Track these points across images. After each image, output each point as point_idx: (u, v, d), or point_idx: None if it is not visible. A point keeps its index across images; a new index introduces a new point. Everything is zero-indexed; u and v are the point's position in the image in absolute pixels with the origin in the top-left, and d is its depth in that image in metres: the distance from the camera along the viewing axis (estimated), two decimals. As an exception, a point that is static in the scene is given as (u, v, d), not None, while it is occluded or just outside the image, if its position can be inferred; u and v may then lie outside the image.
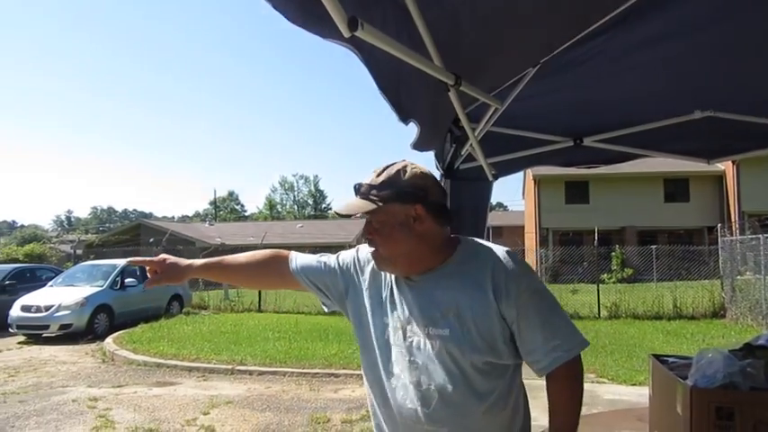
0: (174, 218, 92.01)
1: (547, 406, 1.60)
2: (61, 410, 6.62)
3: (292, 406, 6.79)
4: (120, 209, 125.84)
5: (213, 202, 71.42)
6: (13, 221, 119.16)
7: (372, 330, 1.62)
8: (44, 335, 11.90)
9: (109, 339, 11.21)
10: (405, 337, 1.55)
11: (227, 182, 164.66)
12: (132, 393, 7.44)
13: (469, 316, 1.47)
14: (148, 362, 9.20)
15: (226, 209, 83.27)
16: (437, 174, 3.08)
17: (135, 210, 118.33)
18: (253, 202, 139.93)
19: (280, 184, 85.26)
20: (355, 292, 1.69)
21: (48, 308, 11.98)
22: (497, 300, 1.46)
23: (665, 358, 2.24)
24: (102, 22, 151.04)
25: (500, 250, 1.54)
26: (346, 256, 1.77)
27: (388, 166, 1.54)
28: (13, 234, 71.34)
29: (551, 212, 28.53)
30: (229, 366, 8.55)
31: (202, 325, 12.88)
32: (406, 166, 1.53)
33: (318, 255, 1.81)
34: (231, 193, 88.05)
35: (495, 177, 3.10)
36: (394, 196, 1.48)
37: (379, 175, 1.53)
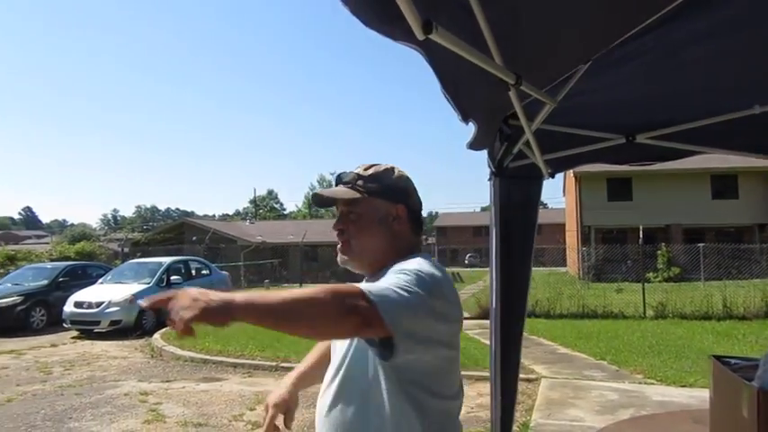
0: (214, 216, 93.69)
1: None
2: (114, 404, 6.83)
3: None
4: (162, 207, 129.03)
5: (253, 201, 72.43)
6: (64, 220, 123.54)
7: None
8: (95, 330, 12.28)
9: (156, 335, 11.50)
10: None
11: (266, 180, 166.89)
12: (180, 388, 7.62)
13: None
14: (195, 358, 9.41)
15: (265, 207, 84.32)
16: (488, 172, 3.07)
17: (177, 208, 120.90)
18: (292, 201, 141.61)
19: (318, 182, 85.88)
20: None
21: (98, 304, 12.37)
22: None
23: (727, 359, 2.19)
24: (134, 24, 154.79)
25: (417, 257, 1.44)
26: None
27: (375, 164, 1.55)
28: (64, 233, 73.63)
29: (593, 210, 28.01)
30: (273, 363, 8.69)
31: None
32: (394, 168, 1.55)
33: None
34: (270, 192, 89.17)
35: (551, 175, 3.07)
36: (380, 191, 1.48)
37: (366, 169, 1.53)
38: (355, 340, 1.40)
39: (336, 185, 1.55)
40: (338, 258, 1.54)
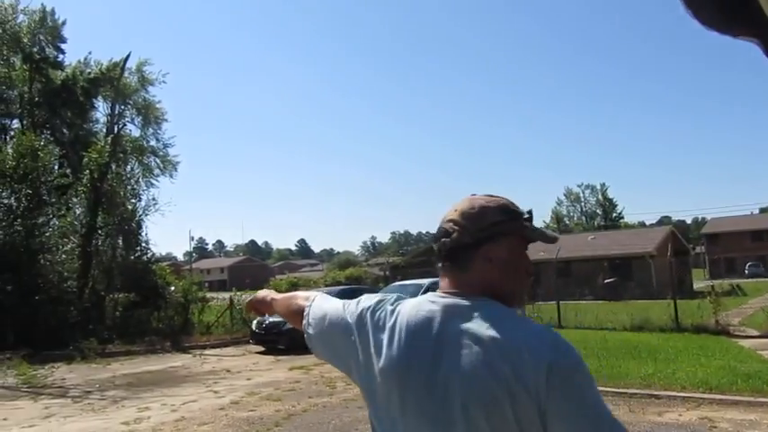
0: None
1: None
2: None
3: (612, 428, 6.42)
4: (414, 232, 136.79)
5: (499, 220, 72.65)
6: (331, 249, 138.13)
7: None
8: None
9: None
10: None
11: (511, 198, 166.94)
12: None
13: None
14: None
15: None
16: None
17: (427, 232, 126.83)
18: (539, 217, 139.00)
19: (565, 195, 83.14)
20: None
21: (368, 324, 13.45)
22: None
23: None
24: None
25: None
26: None
27: None
28: (332, 260, 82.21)
29: None
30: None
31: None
32: None
33: None
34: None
35: None
36: None
37: None
38: None
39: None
40: None
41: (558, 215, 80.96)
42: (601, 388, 5.37)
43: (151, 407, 8.57)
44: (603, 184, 79.91)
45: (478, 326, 1.17)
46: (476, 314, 1.19)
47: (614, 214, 77.54)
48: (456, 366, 1.15)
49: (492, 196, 1.38)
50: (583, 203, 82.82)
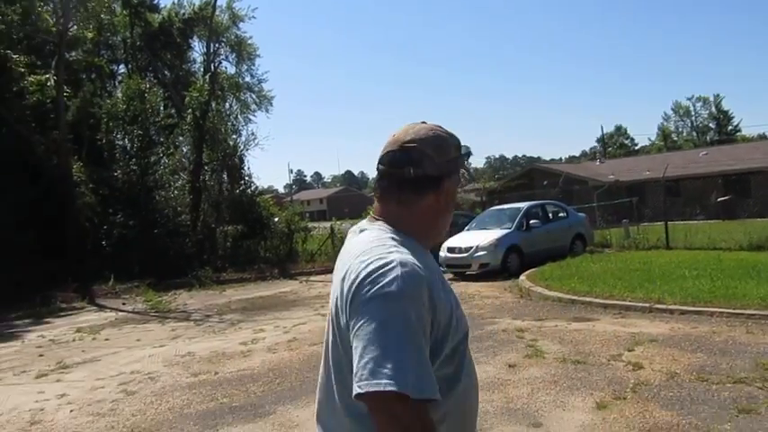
0: (561, 159, 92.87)
1: None
2: (495, 338, 7.37)
3: (727, 349, 6.15)
4: (510, 156, 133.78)
5: (601, 139, 69.30)
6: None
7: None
8: (466, 273, 13.43)
9: (522, 277, 11.97)
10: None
11: (612, 116, 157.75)
12: (553, 327, 7.80)
13: None
14: (563, 298, 9.52)
15: (614, 144, 79.82)
16: None
17: (524, 155, 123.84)
18: (643, 135, 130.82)
19: (673, 110, 77.58)
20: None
21: (467, 249, 13.45)
22: None
23: None
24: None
25: None
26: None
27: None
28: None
29: None
30: (647, 304, 8.22)
31: (609, 263, 12.70)
32: None
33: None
34: (619, 128, 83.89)
35: None
36: None
37: None
38: None
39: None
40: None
41: (665, 131, 75.89)
42: (714, 309, 5.21)
43: (265, 329, 9.16)
44: (718, 95, 73.39)
45: (355, 248, 1.29)
46: (363, 237, 1.32)
47: (730, 127, 71.62)
48: (336, 278, 1.31)
49: (445, 129, 1.40)
50: (693, 118, 77.06)
